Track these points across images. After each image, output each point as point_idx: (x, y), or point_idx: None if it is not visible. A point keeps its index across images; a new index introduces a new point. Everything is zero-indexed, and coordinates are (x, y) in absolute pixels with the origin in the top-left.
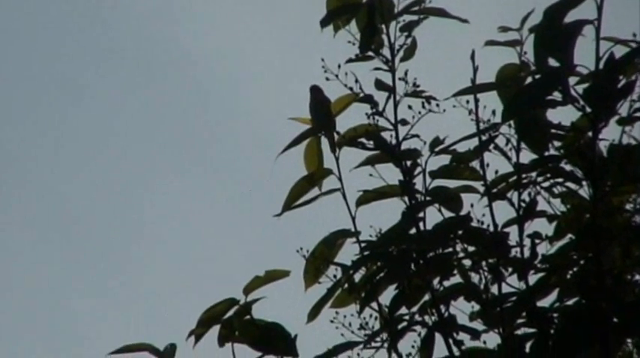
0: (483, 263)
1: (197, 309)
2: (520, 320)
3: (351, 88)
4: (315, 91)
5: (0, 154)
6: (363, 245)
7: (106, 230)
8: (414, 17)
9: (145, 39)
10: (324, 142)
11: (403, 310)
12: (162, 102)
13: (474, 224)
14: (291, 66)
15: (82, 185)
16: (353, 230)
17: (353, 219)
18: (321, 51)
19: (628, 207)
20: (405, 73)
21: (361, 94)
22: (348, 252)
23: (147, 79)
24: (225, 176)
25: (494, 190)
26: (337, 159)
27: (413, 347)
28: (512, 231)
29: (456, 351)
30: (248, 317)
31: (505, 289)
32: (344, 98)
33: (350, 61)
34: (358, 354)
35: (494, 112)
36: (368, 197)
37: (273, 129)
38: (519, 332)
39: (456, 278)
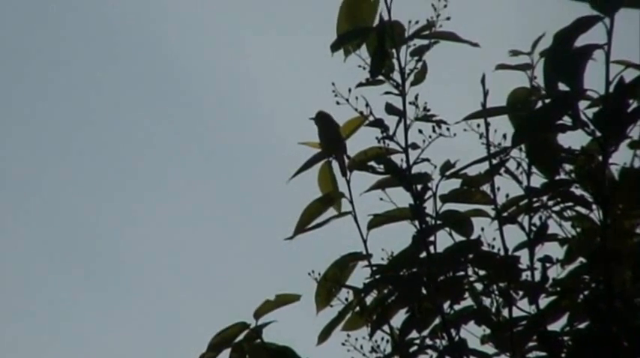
0: (494, 286)
1: (208, 333)
2: (531, 344)
3: (361, 112)
4: (322, 118)
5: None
6: (374, 268)
7: (116, 252)
8: (425, 41)
9: (149, 51)
10: (336, 165)
11: (414, 333)
12: (173, 122)
13: (485, 248)
14: (302, 90)
15: (88, 210)
16: (364, 253)
17: (364, 241)
18: (332, 75)
19: (639, 230)
20: (416, 97)
21: (371, 118)
22: (359, 275)
23: (152, 100)
24: (236, 199)
25: (505, 214)
26: (348, 182)
27: None
28: (523, 254)
29: None
30: (259, 340)
31: (516, 313)
32: (353, 121)
33: (360, 85)
34: None
35: (504, 136)
36: (379, 220)
37: (286, 152)
38: (530, 355)
39: (467, 302)
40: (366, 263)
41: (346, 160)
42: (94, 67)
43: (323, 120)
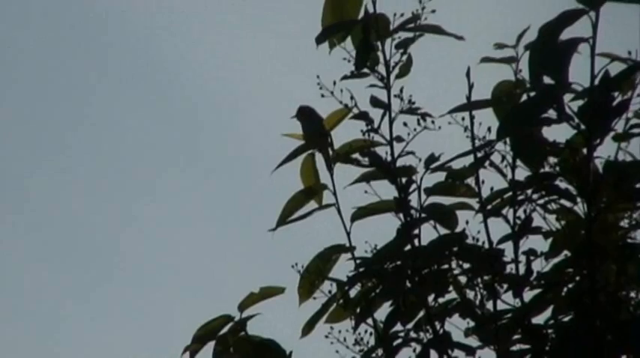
0: (478, 280)
1: (192, 326)
2: (515, 337)
3: (346, 105)
4: (304, 113)
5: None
6: (358, 261)
7: (99, 245)
8: (410, 34)
9: (138, 53)
10: (319, 157)
11: (398, 326)
12: (155, 117)
13: (469, 241)
14: (287, 82)
15: (77, 202)
16: (348, 245)
17: (348, 234)
18: (317, 68)
19: (623, 224)
20: (401, 90)
21: (356, 111)
22: (343, 267)
23: (140, 93)
24: (219, 192)
25: (490, 207)
26: (332, 174)
27: None
28: (508, 247)
29: None
30: (243, 333)
31: (500, 306)
32: (337, 112)
33: (345, 77)
34: None
35: (489, 129)
36: (362, 213)
37: (269, 145)
38: (514, 348)
39: (451, 295)
40: (349, 255)
41: (330, 153)
42: (91, 69)
43: (305, 115)
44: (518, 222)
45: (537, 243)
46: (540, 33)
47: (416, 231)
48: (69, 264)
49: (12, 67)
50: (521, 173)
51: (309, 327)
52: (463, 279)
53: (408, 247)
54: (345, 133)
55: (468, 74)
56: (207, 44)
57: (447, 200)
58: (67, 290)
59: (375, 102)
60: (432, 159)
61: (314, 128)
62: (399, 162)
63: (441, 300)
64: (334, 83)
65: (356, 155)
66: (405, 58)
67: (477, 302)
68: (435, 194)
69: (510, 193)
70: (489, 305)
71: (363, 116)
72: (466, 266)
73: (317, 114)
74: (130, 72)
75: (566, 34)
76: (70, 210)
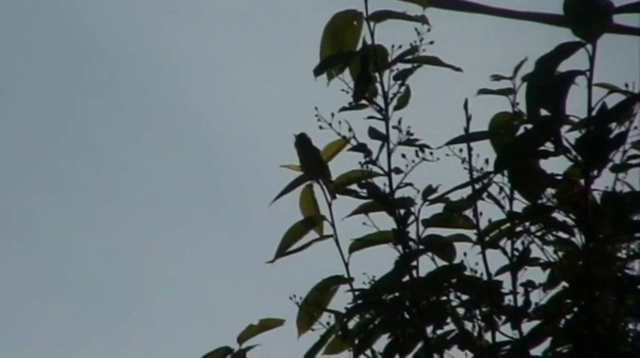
0: (477, 311)
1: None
2: None
3: (344, 137)
4: (301, 141)
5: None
6: (356, 292)
7: (101, 280)
8: (408, 66)
9: (143, 87)
10: (317, 188)
11: None
12: (158, 149)
13: (467, 272)
14: (285, 114)
15: (77, 237)
16: (346, 276)
17: (346, 265)
18: (315, 99)
19: (621, 255)
20: (399, 122)
21: (354, 142)
22: (342, 299)
23: (144, 127)
24: (219, 223)
25: (487, 238)
26: (330, 205)
27: None
28: (506, 279)
29: None
30: None
31: (499, 338)
32: (335, 144)
33: (343, 109)
34: None
35: (487, 161)
36: (360, 244)
37: (267, 176)
38: None
39: (450, 327)
40: (348, 287)
41: (329, 184)
42: (92, 113)
43: (303, 144)
44: (516, 253)
45: (535, 274)
46: (537, 65)
47: (414, 263)
48: (70, 296)
49: (32, 119)
50: (519, 205)
51: None
52: (461, 311)
53: (407, 278)
54: (342, 164)
55: (465, 106)
56: (203, 78)
57: (445, 231)
58: (69, 321)
59: (373, 133)
60: (430, 190)
61: (311, 157)
62: (397, 194)
63: (439, 332)
64: (332, 115)
65: (354, 186)
66: (403, 89)
67: (476, 333)
68: (433, 225)
69: (508, 225)
70: (488, 336)
71: (361, 148)
72: (464, 297)
73: (312, 144)
74: (129, 112)
75: (564, 66)
76: (70, 244)
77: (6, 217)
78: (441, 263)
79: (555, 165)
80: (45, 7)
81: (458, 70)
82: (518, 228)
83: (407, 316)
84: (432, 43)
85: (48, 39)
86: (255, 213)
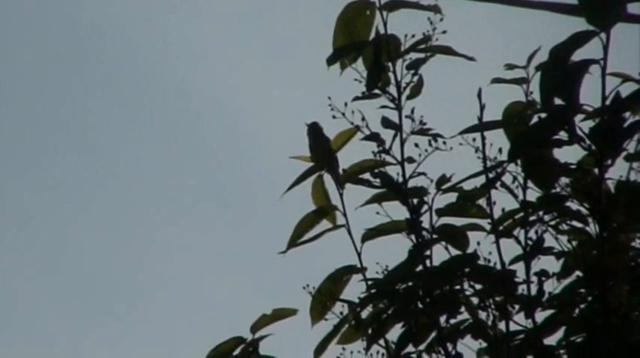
0: (490, 300)
1: (204, 348)
2: None
3: (357, 126)
4: (313, 129)
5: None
6: (369, 282)
7: (112, 269)
8: (421, 55)
9: (149, 81)
10: (328, 178)
11: (410, 348)
12: (166, 142)
13: (481, 262)
14: (297, 104)
15: (84, 228)
16: (359, 266)
17: (359, 255)
18: (328, 89)
19: (635, 244)
20: (412, 111)
21: (367, 132)
22: (355, 289)
23: (149, 120)
24: (231, 214)
25: (501, 228)
26: (341, 195)
27: None
28: (519, 268)
29: None
30: (255, 355)
31: (512, 327)
32: (345, 133)
33: (356, 98)
34: None
35: (500, 150)
36: (373, 233)
37: (280, 167)
38: None
39: (463, 316)
40: (361, 276)
41: (340, 173)
42: (96, 110)
43: (315, 132)
44: (530, 242)
45: (549, 263)
46: (551, 54)
47: (427, 252)
48: (84, 289)
49: (37, 120)
50: (533, 194)
51: (321, 349)
52: (475, 300)
53: (420, 268)
54: (355, 154)
55: (479, 95)
56: (214, 68)
57: (458, 221)
58: (82, 312)
59: (386, 123)
60: (443, 180)
61: (321, 147)
62: (411, 183)
63: (452, 321)
64: (345, 104)
65: (367, 176)
66: (416, 78)
67: (489, 323)
68: (447, 215)
69: (522, 214)
70: (501, 326)
71: (374, 137)
72: (478, 287)
73: (323, 133)
74: (135, 106)
75: (578, 55)
76: (73, 240)
77: (6, 216)
78: (455, 252)
79: (569, 154)
80: (45, 7)
81: (471, 59)
82: (532, 218)
83: (420, 305)
84: (444, 32)
85: (48, 37)
86: (266, 205)
